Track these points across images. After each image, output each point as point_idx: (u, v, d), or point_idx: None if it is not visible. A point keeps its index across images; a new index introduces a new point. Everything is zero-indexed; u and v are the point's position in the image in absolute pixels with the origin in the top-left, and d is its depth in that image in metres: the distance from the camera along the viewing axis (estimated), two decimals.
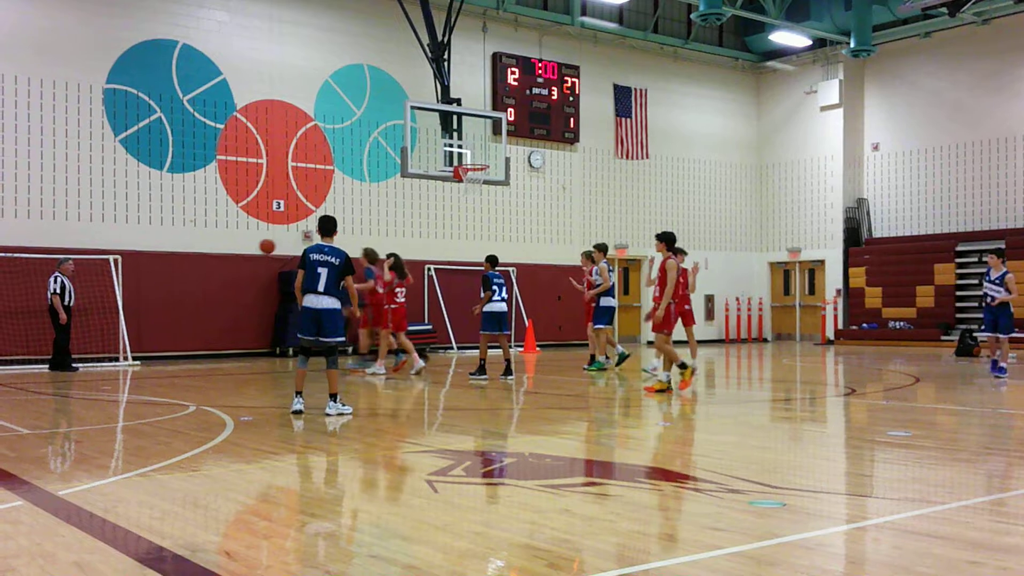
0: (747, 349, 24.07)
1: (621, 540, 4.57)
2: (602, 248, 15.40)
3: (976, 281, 22.04)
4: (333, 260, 9.46)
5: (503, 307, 13.77)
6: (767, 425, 9.45)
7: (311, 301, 9.37)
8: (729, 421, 9.53)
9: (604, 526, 4.79)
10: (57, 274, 15.54)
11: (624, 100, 25.61)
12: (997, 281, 14.45)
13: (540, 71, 23.75)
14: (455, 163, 18.19)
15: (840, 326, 26.54)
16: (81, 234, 17.74)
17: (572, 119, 24.42)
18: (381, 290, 14.66)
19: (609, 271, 15.20)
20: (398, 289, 14.78)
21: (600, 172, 25.29)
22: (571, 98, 24.37)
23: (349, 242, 18.96)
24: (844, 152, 26.82)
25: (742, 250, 28.44)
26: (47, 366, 15.90)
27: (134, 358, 17.18)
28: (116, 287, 17.17)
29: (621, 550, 4.42)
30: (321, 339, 9.42)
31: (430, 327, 21.27)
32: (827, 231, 27.22)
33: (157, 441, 7.80)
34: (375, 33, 21.37)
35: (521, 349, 21.41)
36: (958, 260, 24.53)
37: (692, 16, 21.84)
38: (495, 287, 13.68)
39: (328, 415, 9.36)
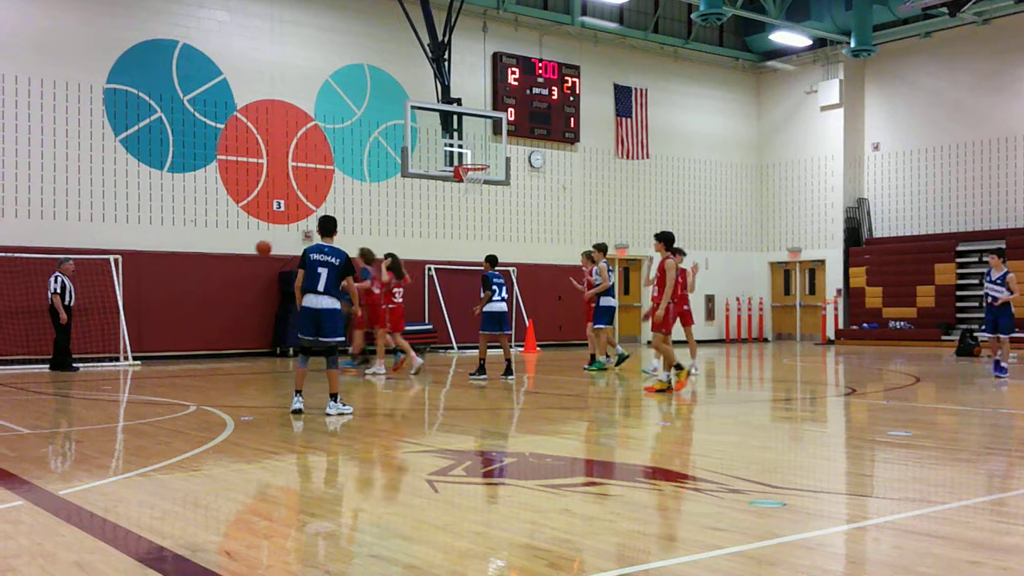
0: (747, 349, 24.07)
1: (621, 540, 4.57)
2: (602, 248, 15.39)
3: (976, 281, 22.04)
4: (333, 260, 9.47)
5: (503, 307, 13.77)
6: (767, 425, 9.45)
7: (311, 301, 9.38)
8: (729, 421, 9.53)
9: (604, 526, 4.79)
10: (57, 274, 15.54)
11: (624, 100, 25.61)
12: (998, 281, 14.44)
13: (540, 71, 23.76)
14: (455, 163, 18.19)
15: (840, 326, 26.54)
16: (81, 234, 17.74)
17: (572, 119, 24.42)
18: (377, 291, 14.65)
19: (609, 271, 15.20)
20: (396, 289, 14.77)
21: (600, 172, 25.29)
22: (571, 98, 24.37)
23: (349, 242, 18.95)
24: (844, 152, 26.81)
25: (742, 250, 28.44)
26: (47, 366, 15.90)
27: (134, 358, 17.18)
28: (116, 287, 17.17)
29: (621, 550, 4.42)
30: (321, 339, 9.42)
31: (430, 327, 21.28)
32: (827, 231, 27.22)
33: (157, 441, 7.80)
34: (375, 33, 21.37)
35: (521, 349, 21.41)
36: (959, 260, 24.52)
37: (692, 16, 21.84)
38: (495, 287, 13.69)
39: (328, 415, 9.36)
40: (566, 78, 24.22)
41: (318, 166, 20.71)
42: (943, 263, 24.71)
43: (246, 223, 19.76)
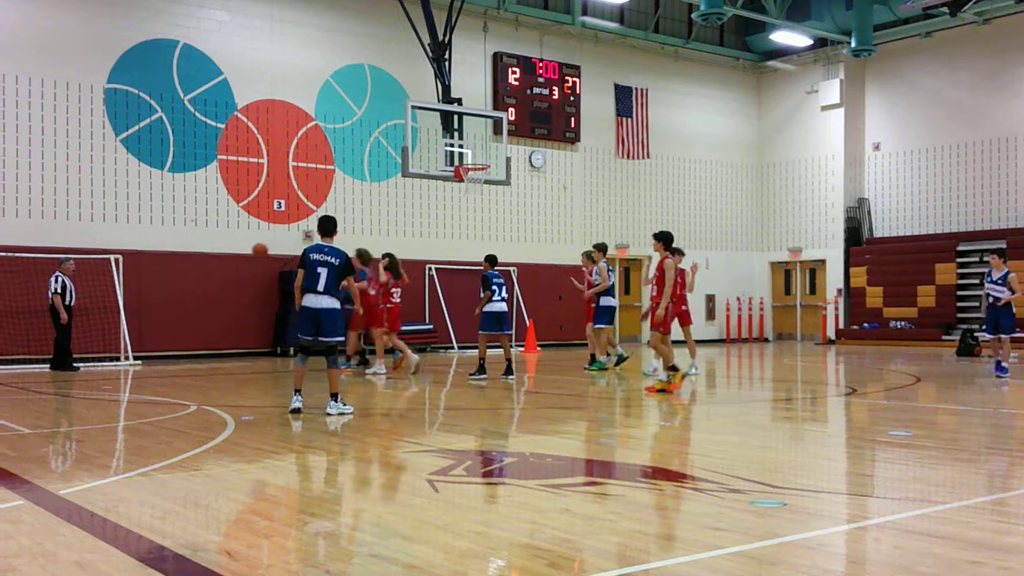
0: (748, 349, 24.07)
1: (622, 540, 4.56)
2: (601, 248, 15.39)
3: (977, 281, 22.03)
4: (333, 260, 9.48)
5: (503, 307, 13.75)
6: (768, 425, 9.44)
7: (311, 301, 9.39)
8: (730, 421, 9.53)
9: (605, 526, 4.79)
10: (58, 274, 15.54)
11: (625, 100, 25.61)
12: (1000, 281, 14.42)
13: (541, 71, 23.76)
14: (456, 163, 18.19)
15: (841, 326, 26.54)
16: (82, 234, 17.75)
17: (573, 119, 24.42)
18: (373, 292, 14.63)
19: (609, 271, 15.19)
20: (394, 289, 14.76)
21: (601, 172, 25.29)
22: (572, 98, 24.37)
23: (350, 242, 18.97)
24: (845, 152, 26.81)
25: (743, 250, 28.43)
26: (48, 366, 15.91)
27: (135, 358, 17.19)
28: (117, 287, 17.17)
29: (622, 550, 4.42)
30: (320, 339, 9.43)
31: (431, 327, 21.29)
32: (828, 231, 27.22)
33: (158, 440, 7.81)
34: (376, 33, 21.37)
35: (522, 349, 21.41)
36: (959, 260, 24.52)
37: (693, 16, 21.85)
38: (495, 287, 13.67)
39: (329, 415, 9.36)
40: (567, 78, 24.22)
41: (319, 166, 20.71)
42: (944, 263, 24.71)
43: (246, 223, 19.77)
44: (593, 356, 15.42)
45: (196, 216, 19.18)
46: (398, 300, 14.88)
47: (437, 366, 17.05)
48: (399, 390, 12.62)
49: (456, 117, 18.44)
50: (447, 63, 19.01)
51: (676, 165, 26.86)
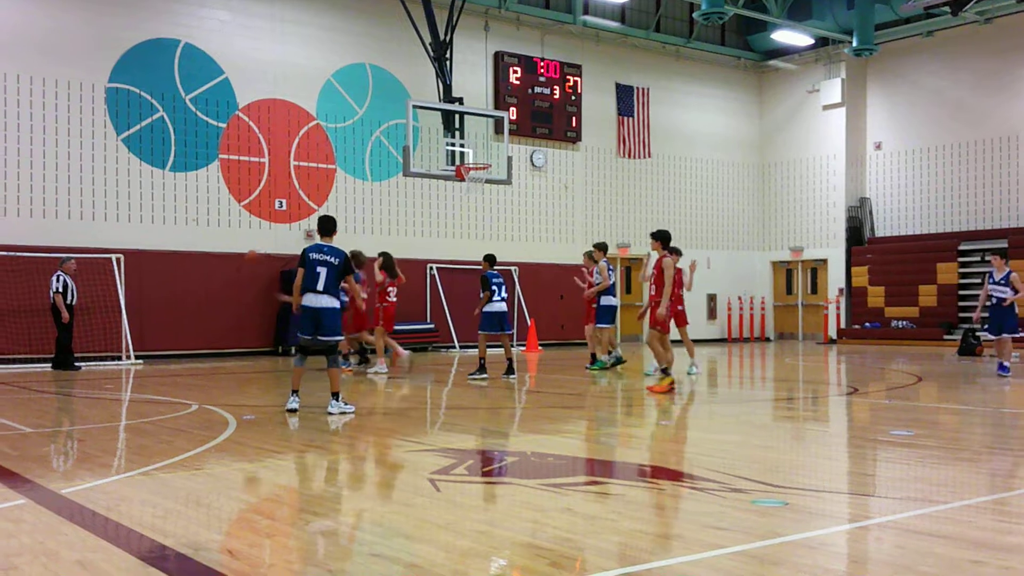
0: (749, 348, 24.06)
1: (623, 539, 4.56)
2: (602, 247, 15.39)
3: (979, 280, 22.01)
4: (332, 260, 9.49)
5: (503, 307, 13.70)
6: (770, 424, 9.44)
7: (310, 300, 9.40)
8: (731, 420, 9.53)
9: (606, 525, 4.79)
10: (60, 273, 15.55)
11: (626, 99, 25.60)
12: (1002, 282, 14.39)
13: (542, 70, 23.75)
14: (457, 162, 18.19)
15: (842, 325, 26.53)
16: (84, 233, 17.76)
17: (574, 118, 24.42)
18: (365, 295, 14.56)
19: (609, 270, 15.19)
20: (390, 288, 14.74)
21: (602, 171, 25.29)
22: (573, 97, 24.36)
23: (351, 241, 19.00)
24: (846, 151, 26.80)
25: (744, 249, 28.43)
26: (50, 365, 15.92)
27: (136, 357, 17.20)
28: (119, 286, 17.19)
29: (623, 549, 4.42)
30: (320, 338, 9.44)
31: (432, 326, 21.29)
32: (829, 230, 27.20)
33: (160, 440, 7.81)
34: (377, 32, 21.37)
35: (523, 348, 21.41)
36: (961, 259, 24.51)
37: (694, 15, 21.85)
38: (494, 287, 13.62)
39: (330, 414, 9.37)
40: (568, 77, 24.22)
41: (320, 165, 20.72)
42: (945, 262, 24.69)
43: (248, 222, 19.77)
44: (594, 355, 15.41)
45: (197, 215, 19.19)
46: (394, 299, 14.86)
47: (438, 365, 17.05)
48: (400, 389, 12.62)
49: (457, 116, 18.44)
50: (448, 62, 19.01)
51: (677, 165, 26.85)
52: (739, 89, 28.25)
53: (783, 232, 28.36)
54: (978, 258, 23.68)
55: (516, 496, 5.56)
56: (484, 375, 13.60)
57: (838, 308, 26.64)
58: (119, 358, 17.07)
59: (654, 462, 7.08)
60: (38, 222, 17.43)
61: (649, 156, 26.12)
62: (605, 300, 15.08)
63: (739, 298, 27.82)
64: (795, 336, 28.22)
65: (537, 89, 23.65)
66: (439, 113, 18.57)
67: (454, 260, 22.17)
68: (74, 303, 15.70)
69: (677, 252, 13.34)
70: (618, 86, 25.47)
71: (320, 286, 9.38)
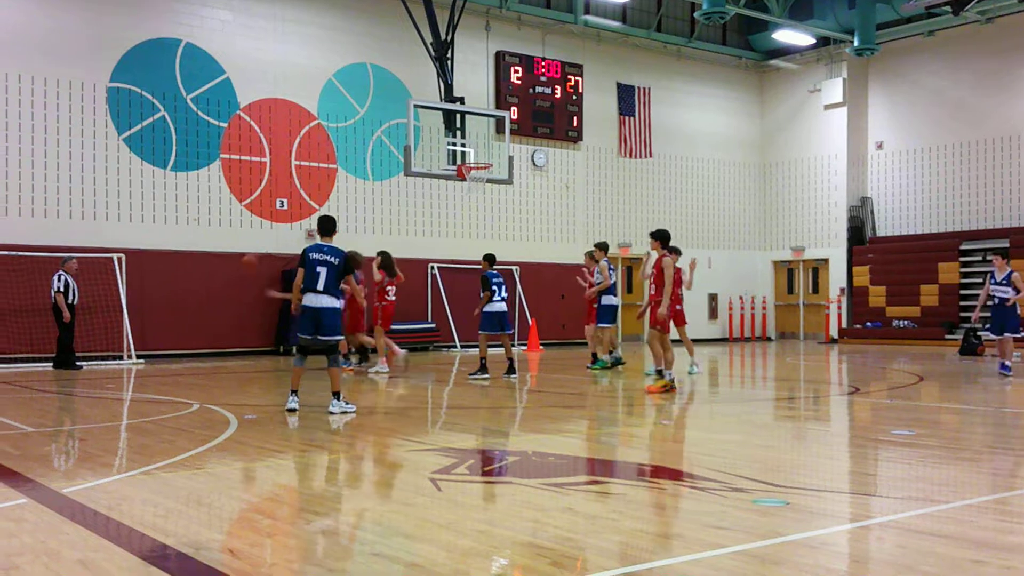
0: (751, 348, 24.05)
1: (624, 539, 4.56)
2: (603, 247, 15.39)
3: (980, 280, 22.00)
4: (332, 260, 9.49)
5: (503, 307, 13.67)
6: (771, 424, 9.43)
7: (310, 300, 9.41)
8: (732, 420, 9.53)
9: (607, 524, 4.79)
10: (61, 272, 15.56)
11: (627, 99, 25.59)
12: (1004, 282, 14.37)
13: (543, 70, 23.75)
14: (458, 162, 18.20)
15: (844, 325, 26.51)
16: (85, 232, 17.77)
17: (575, 118, 24.41)
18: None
19: (610, 269, 15.20)
20: (389, 287, 14.74)
21: (603, 171, 25.28)
22: (574, 97, 24.36)
23: (353, 241, 19.01)
24: (848, 151, 26.79)
25: (746, 249, 28.42)
26: (51, 364, 15.93)
27: (138, 356, 17.21)
28: (120, 285, 17.20)
29: (624, 548, 4.42)
30: (320, 338, 9.44)
31: (433, 325, 21.30)
32: (831, 230, 27.19)
33: (161, 439, 7.81)
34: (378, 32, 21.37)
35: (524, 348, 21.41)
36: (962, 259, 24.49)
37: (695, 15, 21.84)
38: (494, 287, 13.59)
39: (332, 413, 9.37)
40: (569, 77, 24.21)
41: (321, 165, 20.72)
42: (947, 262, 24.68)
43: (249, 222, 19.78)
44: (595, 355, 15.41)
45: (199, 215, 19.19)
46: (393, 298, 14.85)
47: (439, 365, 17.05)
48: (401, 389, 12.62)
49: (458, 116, 18.45)
50: (449, 62, 19.01)
51: (678, 164, 26.84)
52: (740, 89, 28.24)
53: (784, 232, 28.35)
54: (979, 258, 23.67)
55: (517, 496, 5.56)
56: (485, 375, 13.59)
57: (839, 308, 26.63)
58: (120, 357, 17.08)
59: (655, 462, 7.07)
60: (39, 222, 17.44)
61: (650, 156, 26.12)
62: (606, 300, 15.08)
63: (740, 298, 27.81)
64: (796, 336, 28.21)
65: (538, 89, 23.65)
66: (440, 113, 18.57)
67: (455, 260, 22.17)
68: (75, 303, 15.71)
69: (676, 251, 13.33)
70: (619, 86, 25.47)
71: (320, 286, 9.39)
